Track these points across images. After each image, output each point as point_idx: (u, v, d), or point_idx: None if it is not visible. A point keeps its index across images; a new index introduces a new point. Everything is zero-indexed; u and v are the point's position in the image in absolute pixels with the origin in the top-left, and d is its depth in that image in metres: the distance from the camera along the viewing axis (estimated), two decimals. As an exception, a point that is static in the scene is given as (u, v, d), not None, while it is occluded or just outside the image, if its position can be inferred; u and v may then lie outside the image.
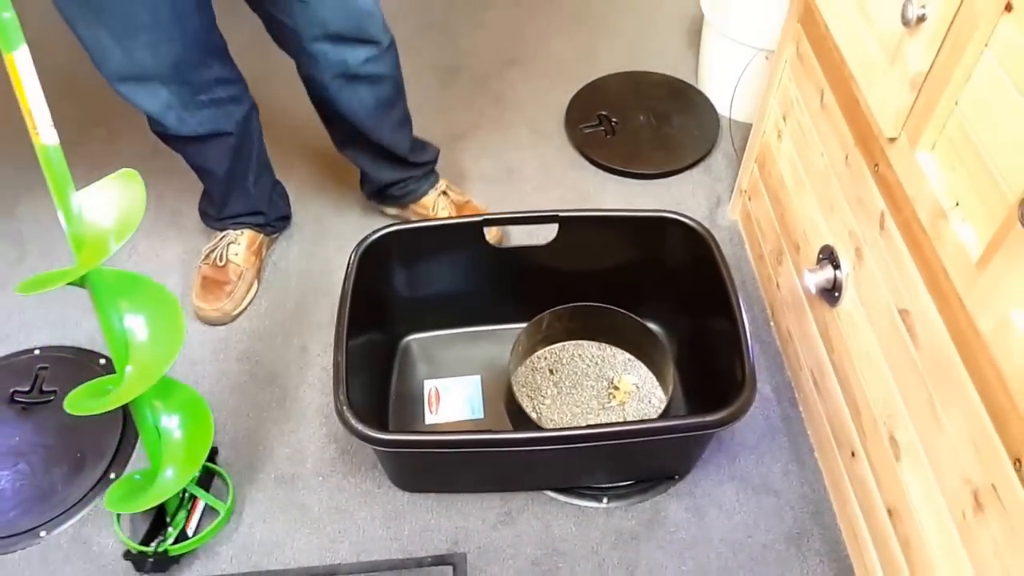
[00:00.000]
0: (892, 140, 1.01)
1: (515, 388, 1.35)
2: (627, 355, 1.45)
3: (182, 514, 1.25)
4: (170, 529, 1.23)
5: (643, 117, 1.90)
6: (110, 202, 0.93)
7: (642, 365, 1.44)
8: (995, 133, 0.83)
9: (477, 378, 1.43)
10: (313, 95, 1.43)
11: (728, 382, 1.17)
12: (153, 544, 1.22)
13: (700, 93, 1.95)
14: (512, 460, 1.18)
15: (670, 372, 1.36)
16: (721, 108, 1.90)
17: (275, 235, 1.68)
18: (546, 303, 1.38)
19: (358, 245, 1.29)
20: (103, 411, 0.99)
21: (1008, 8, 0.80)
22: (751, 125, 1.59)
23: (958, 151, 0.89)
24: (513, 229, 1.63)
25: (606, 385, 1.41)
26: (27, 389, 1.44)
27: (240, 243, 1.58)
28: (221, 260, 1.56)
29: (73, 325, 1.55)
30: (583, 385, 1.41)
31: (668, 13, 2.18)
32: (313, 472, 1.34)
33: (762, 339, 1.49)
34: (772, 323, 1.52)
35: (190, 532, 1.25)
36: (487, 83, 2.02)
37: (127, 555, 1.22)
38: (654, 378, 1.42)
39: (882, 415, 1.11)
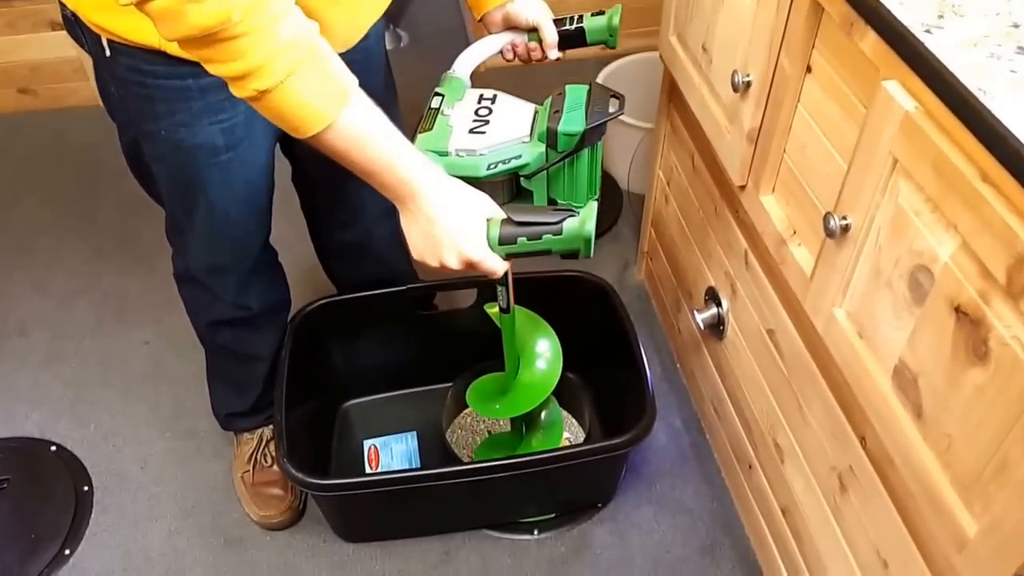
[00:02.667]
0: (742, 188, 1.20)
1: (449, 442, 1.47)
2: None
3: None
4: None
5: (554, 196, 2.10)
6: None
7: (562, 409, 1.57)
8: (812, 169, 1.02)
9: (414, 434, 1.55)
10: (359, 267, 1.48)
11: (637, 413, 1.32)
12: None
13: (604, 171, 2.16)
14: (444, 496, 1.29)
15: (586, 413, 1.50)
16: (622, 183, 2.11)
17: None
18: (472, 361, 1.52)
19: (292, 319, 1.42)
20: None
21: (808, 70, 1.01)
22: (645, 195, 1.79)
23: (790, 190, 1.09)
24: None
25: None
26: (-20, 477, 1.52)
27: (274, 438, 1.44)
28: (267, 461, 1.48)
29: (23, 417, 1.63)
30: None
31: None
32: (261, 532, 1.43)
33: (670, 380, 1.65)
34: (679, 365, 1.69)
35: None
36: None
37: None
38: (573, 420, 1.56)
39: (766, 425, 1.27)
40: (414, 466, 1.50)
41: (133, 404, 1.65)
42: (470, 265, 0.91)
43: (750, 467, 1.36)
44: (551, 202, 1.07)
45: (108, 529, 1.45)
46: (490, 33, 1.19)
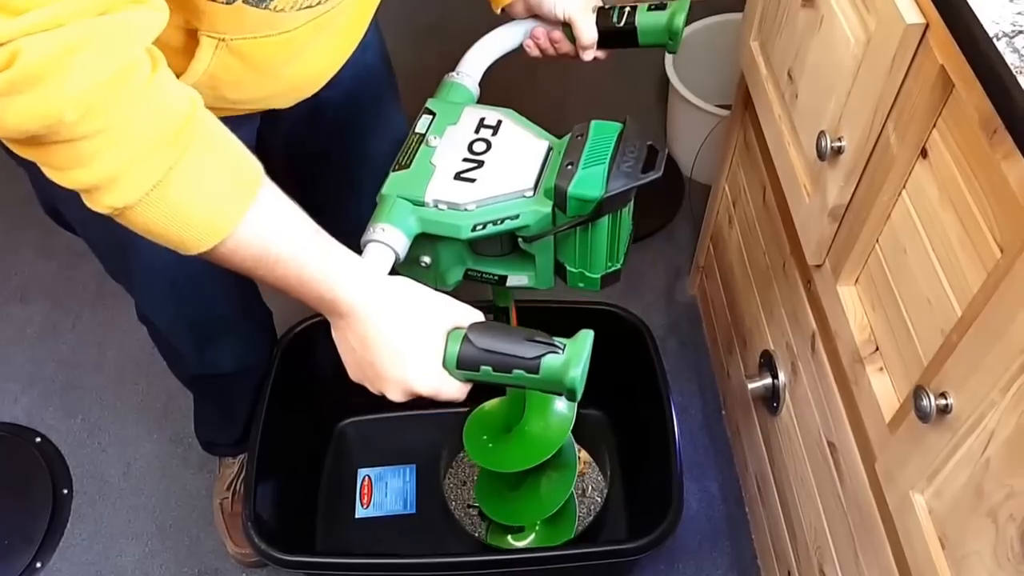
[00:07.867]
0: (817, 267, 0.95)
1: (447, 494, 1.31)
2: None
3: None
4: None
5: (608, 179, 1.84)
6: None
7: (582, 449, 1.39)
8: (910, 286, 0.77)
9: (412, 468, 1.38)
10: None
11: (661, 489, 1.12)
12: None
13: (668, 154, 1.89)
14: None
15: (607, 460, 1.33)
16: (685, 169, 1.84)
17: None
18: (489, 391, 1.33)
19: (281, 339, 1.25)
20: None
21: (923, 154, 0.75)
22: (711, 187, 1.53)
23: (878, 292, 0.84)
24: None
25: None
26: (-50, 472, 1.42)
27: None
28: None
29: (12, 401, 1.52)
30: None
31: (639, 68, 2.11)
32: (237, 567, 1.31)
33: (712, 430, 1.44)
34: (724, 412, 1.47)
35: None
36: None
37: None
38: (595, 465, 1.37)
39: (813, 545, 1.06)
40: (408, 509, 1.34)
41: (124, 393, 1.53)
42: (420, 397, 0.69)
43: (789, 574, 1.16)
44: (559, 267, 0.82)
45: (83, 542, 1.35)
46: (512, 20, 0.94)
